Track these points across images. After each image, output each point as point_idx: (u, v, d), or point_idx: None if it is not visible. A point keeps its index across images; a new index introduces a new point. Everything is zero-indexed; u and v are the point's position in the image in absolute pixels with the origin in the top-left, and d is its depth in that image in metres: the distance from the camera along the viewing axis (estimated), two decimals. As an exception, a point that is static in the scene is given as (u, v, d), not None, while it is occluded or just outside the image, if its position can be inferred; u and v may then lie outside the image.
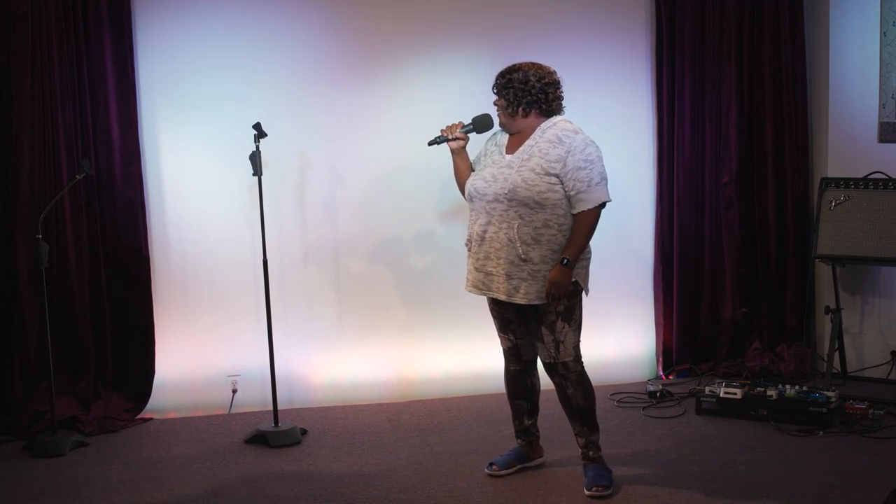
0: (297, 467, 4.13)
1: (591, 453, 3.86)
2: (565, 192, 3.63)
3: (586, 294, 3.77)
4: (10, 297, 4.57)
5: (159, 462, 4.23)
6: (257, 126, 4.43)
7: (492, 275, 3.72)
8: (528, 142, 3.71)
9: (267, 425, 4.51)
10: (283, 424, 4.52)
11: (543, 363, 3.82)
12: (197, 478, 4.03)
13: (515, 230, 3.62)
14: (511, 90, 3.70)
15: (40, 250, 4.36)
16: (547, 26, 5.17)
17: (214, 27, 4.85)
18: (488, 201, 3.69)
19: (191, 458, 4.26)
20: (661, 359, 5.45)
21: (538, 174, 3.61)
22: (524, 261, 3.62)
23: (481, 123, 3.90)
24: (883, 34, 5.03)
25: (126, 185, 4.71)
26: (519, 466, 4.02)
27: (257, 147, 4.42)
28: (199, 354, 4.93)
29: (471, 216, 3.80)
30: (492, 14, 5.13)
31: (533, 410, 4.04)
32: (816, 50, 5.38)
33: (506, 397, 4.07)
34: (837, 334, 5.03)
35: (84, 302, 4.65)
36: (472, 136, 3.90)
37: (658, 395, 4.96)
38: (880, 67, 5.06)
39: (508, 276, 3.66)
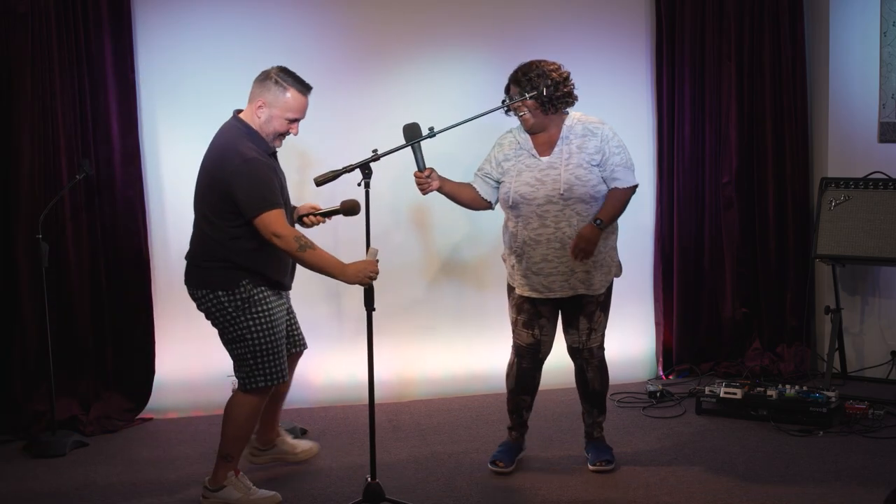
0: (297, 467, 4.13)
1: (595, 433, 4.07)
2: (602, 176, 3.77)
3: (620, 273, 3.95)
4: (10, 298, 4.57)
5: (159, 462, 4.23)
6: (257, 126, 4.43)
7: (552, 275, 3.79)
8: (559, 141, 3.80)
9: (267, 425, 4.51)
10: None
11: (570, 347, 3.98)
12: (197, 478, 4.02)
13: (574, 228, 3.73)
14: (540, 89, 3.73)
15: (40, 250, 4.36)
16: (547, 26, 5.17)
17: (214, 27, 4.86)
18: (539, 205, 3.74)
19: (191, 458, 4.27)
20: (661, 359, 5.45)
21: (586, 168, 3.75)
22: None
23: (410, 133, 3.70)
24: (883, 34, 5.04)
25: (126, 185, 4.71)
26: (517, 459, 4.10)
27: (257, 147, 4.42)
28: (199, 354, 4.92)
29: (515, 223, 3.83)
30: (491, 14, 5.13)
31: (532, 405, 4.12)
32: (816, 50, 5.38)
33: (505, 395, 4.11)
34: (837, 334, 5.03)
35: (84, 302, 4.65)
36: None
37: (658, 395, 4.96)
38: (880, 67, 5.06)
39: (572, 272, 3.77)
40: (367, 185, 3.45)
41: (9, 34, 4.46)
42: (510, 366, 4.06)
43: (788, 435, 4.35)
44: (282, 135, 3.67)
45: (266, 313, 3.62)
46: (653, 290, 5.46)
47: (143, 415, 4.82)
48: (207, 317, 3.68)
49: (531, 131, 3.85)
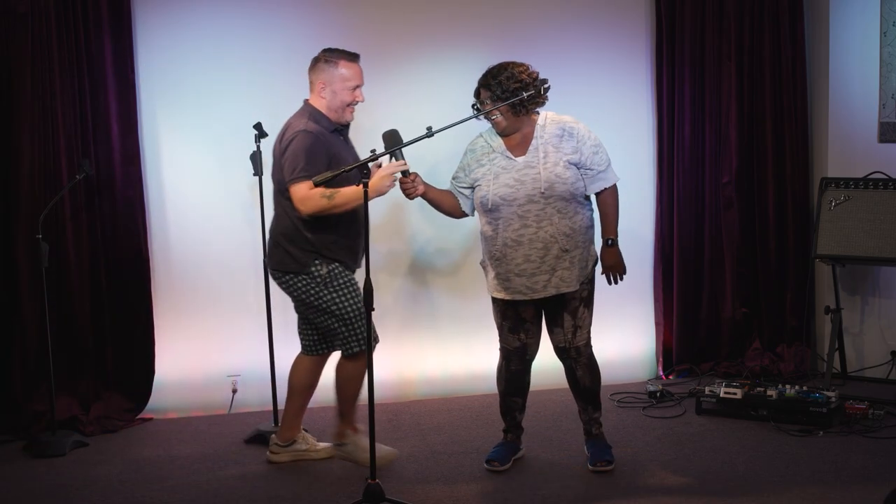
0: (297, 467, 4.13)
1: (593, 430, 4.06)
2: (582, 176, 3.79)
3: (597, 264, 3.96)
4: (10, 297, 4.57)
5: (159, 462, 4.23)
6: (258, 126, 4.44)
7: (535, 275, 3.78)
8: (534, 141, 3.79)
9: (267, 425, 4.51)
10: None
11: (556, 347, 3.95)
12: (197, 478, 4.03)
13: (556, 226, 3.73)
14: (513, 93, 3.72)
15: (40, 250, 4.36)
16: (547, 26, 5.18)
17: (214, 27, 4.86)
18: (520, 205, 3.74)
19: (191, 458, 4.27)
20: (661, 359, 5.45)
21: (565, 167, 3.75)
22: (566, 251, 3.76)
23: (391, 141, 3.75)
24: (883, 34, 5.03)
25: (126, 186, 4.71)
26: (513, 459, 4.08)
27: (258, 147, 4.43)
28: (199, 354, 4.93)
29: (495, 226, 3.81)
30: (491, 14, 5.13)
31: (524, 406, 4.13)
32: (816, 50, 5.38)
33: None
34: (837, 334, 5.03)
35: (84, 302, 4.65)
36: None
37: (658, 395, 4.96)
38: (880, 67, 5.06)
39: (553, 270, 3.77)
40: (365, 185, 3.45)
41: (9, 34, 4.46)
42: (499, 368, 4.07)
43: (788, 435, 4.35)
44: (350, 104, 3.91)
45: (346, 285, 3.89)
46: (653, 290, 5.46)
47: (143, 415, 4.82)
48: (290, 296, 3.96)
49: (503, 134, 3.84)
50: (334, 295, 3.86)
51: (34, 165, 4.52)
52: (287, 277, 3.88)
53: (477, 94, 3.87)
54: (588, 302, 3.93)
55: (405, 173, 3.76)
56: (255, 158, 4.43)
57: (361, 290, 3.86)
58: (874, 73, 5.08)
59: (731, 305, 5.41)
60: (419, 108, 5.02)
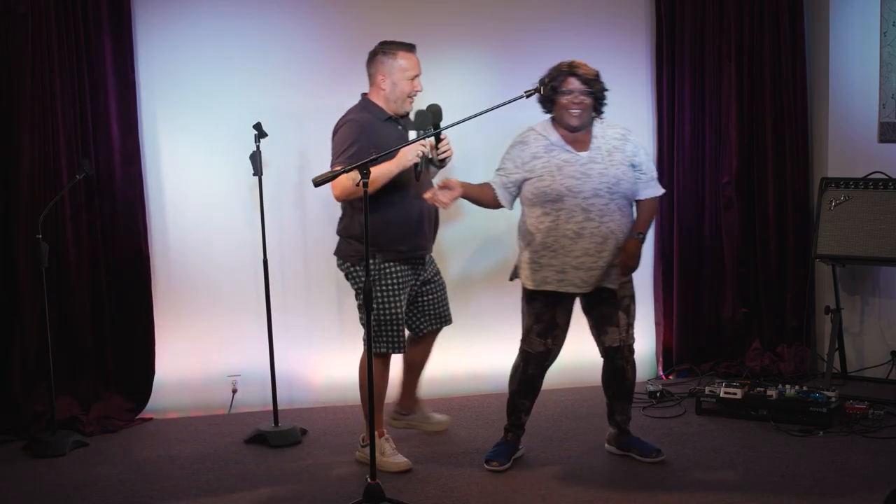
0: (297, 467, 4.13)
1: (628, 426, 4.15)
2: (635, 180, 3.89)
3: None
4: (10, 298, 4.57)
5: (159, 462, 4.23)
6: (258, 126, 4.44)
7: (592, 269, 3.81)
8: (595, 140, 3.88)
9: (267, 425, 4.51)
10: (283, 424, 4.52)
11: (609, 348, 3.98)
12: (197, 478, 4.03)
13: (617, 223, 3.80)
14: (603, 93, 3.90)
15: (40, 250, 4.36)
16: (547, 26, 5.18)
17: (214, 27, 4.86)
18: (585, 198, 3.77)
19: (191, 458, 4.27)
20: (661, 359, 5.45)
21: (628, 166, 3.85)
22: (620, 249, 3.83)
23: (429, 118, 3.87)
24: (883, 34, 5.04)
25: (126, 185, 4.71)
26: (513, 459, 4.08)
27: (258, 147, 4.43)
28: (199, 354, 4.93)
29: (556, 216, 3.80)
30: (491, 14, 5.13)
31: (531, 409, 4.13)
32: (816, 50, 5.38)
33: (506, 397, 4.12)
34: (837, 334, 5.03)
35: (84, 302, 4.65)
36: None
37: (658, 395, 4.96)
38: (880, 67, 5.06)
39: (610, 266, 3.83)
40: (365, 185, 3.44)
41: (9, 34, 4.46)
42: (515, 368, 4.07)
43: (788, 435, 4.35)
44: (410, 94, 4.03)
45: (391, 286, 3.97)
46: (653, 290, 5.46)
47: (143, 415, 4.82)
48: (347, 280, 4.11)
49: (576, 128, 3.86)
50: (377, 294, 3.95)
51: (34, 165, 4.52)
52: (347, 265, 4.02)
53: (558, 81, 3.84)
54: (634, 299, 4.02)
55: (419, 164, 3.83)
56: (255, 158, 4.43)
57: (404, 296, 4.00)
58: (874, 73, 5.08)
59: (731, 305, 5.41)
60: (419, 107, 5.02)
